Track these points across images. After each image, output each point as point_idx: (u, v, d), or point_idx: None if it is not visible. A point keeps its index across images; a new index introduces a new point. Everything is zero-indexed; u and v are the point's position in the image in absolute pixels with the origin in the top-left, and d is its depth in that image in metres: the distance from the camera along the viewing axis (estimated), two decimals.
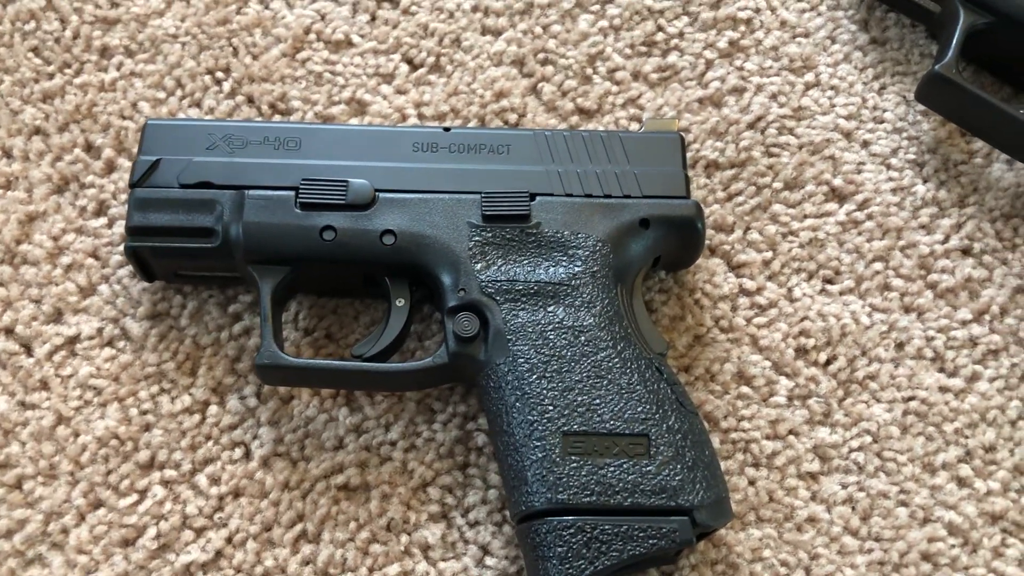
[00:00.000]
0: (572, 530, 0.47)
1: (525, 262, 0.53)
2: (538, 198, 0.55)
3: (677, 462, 0.49)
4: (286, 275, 0.54)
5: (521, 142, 0.57)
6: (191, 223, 0.54)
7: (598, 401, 0.50)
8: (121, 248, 0.60)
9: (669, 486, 0.48)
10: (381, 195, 0.55)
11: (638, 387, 0.50)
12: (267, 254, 0.54)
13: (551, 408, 0.50)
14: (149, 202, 0.55)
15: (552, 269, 0.53)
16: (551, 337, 0.51)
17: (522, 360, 0.51)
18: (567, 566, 0.47)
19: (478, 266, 0.53)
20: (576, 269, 0.53)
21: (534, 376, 0.50)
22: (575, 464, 0.49)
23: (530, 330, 0.51)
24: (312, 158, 0.56)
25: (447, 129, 0.57)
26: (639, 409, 0.50)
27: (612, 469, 0.48)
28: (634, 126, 0.64)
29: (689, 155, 0.63)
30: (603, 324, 0.52)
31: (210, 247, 0.54)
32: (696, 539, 0.49)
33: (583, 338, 0.51)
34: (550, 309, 0.52)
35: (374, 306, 0.59)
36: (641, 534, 0.47)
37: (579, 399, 0.50)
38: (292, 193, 0.55)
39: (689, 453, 0.49)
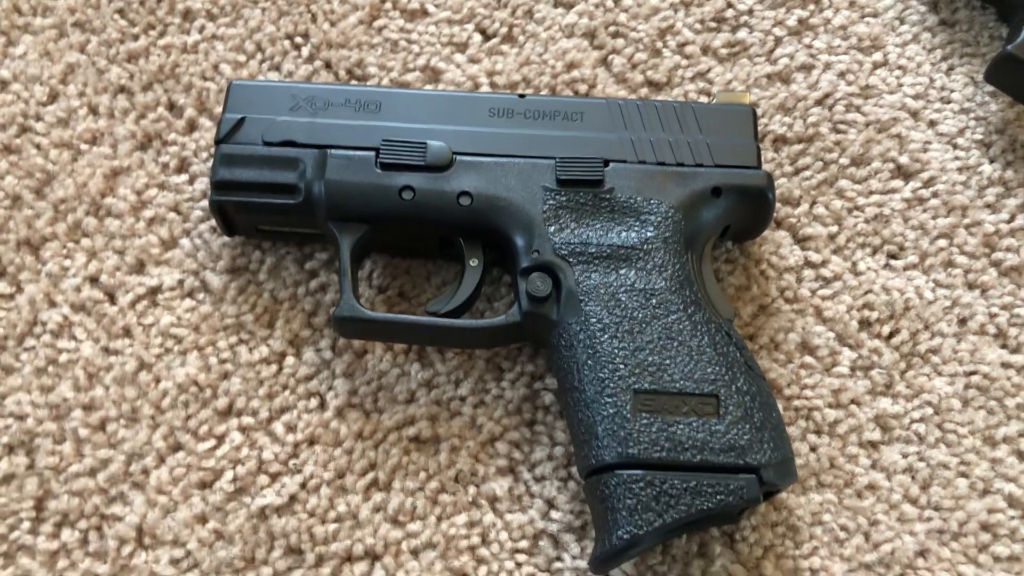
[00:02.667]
0: (642, 483, 0.48)
1: (598, 226, 0.54)
2: (612, 164, 0.56)
3: (746, 422, 0.50)
4: (365, 233, 0.56)
5: (595, 110, 0.58)
6: (275, 179, 0.56)
7: (668, 361, 0.51)
8: (202, 204, 0.62)
9: (738, 444, 0.49)
10: (458, 158, 0.56)
11: (707, 349, 0.51)
12: (348, 212, 0.55)
13: (622, 366, 0.51)
14: (235, 158, 0.56)
15: (624, 234, 0.54)
16: (623, 299, 0.52)
17: (594, 320, 0.52)
18: (636, 518, 0.48)
19: (552, 228, 0.54)
20: (648, 234, 0.54)
21: (606, 336, 0.52)
22: (645, 421, 0.50)
23: (602, 291, 0.53)
24: (392, 120, 0.57)
25: (522, 96, 0.59)
26: (708, 370, 0.51)
27: (682, 427, 0.50)
28: (703, 99, 0.65)
29: (758, 129, 0.64)
30: (674, 288, 0.53)
31: (293, 203, 0.56)
32: (763, 497, 0.50)
33: (654, 300, 0.52)
34: (622, 272, 0.53)
35: (445, 267, 0.61)
36: (709, 490, 0.48)
37: (650, 359, 0.51)
38: (373, 153, 0.56)
39: (757, 414, 0.50)
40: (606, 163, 0.56)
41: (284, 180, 0.56)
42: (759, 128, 0.64)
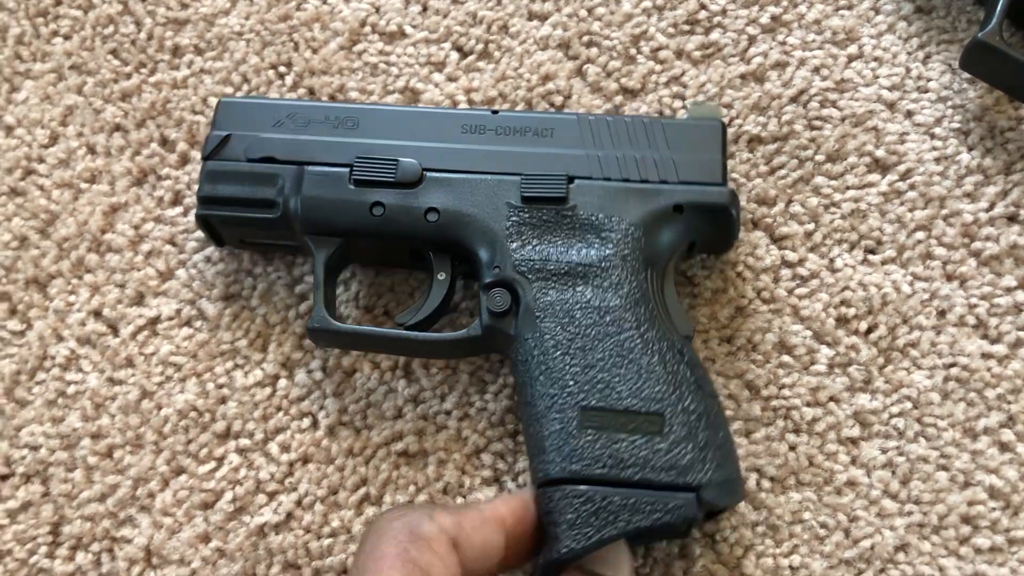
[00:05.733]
0: (583, 499, 0.49)
1: (559, 243, 0.55)
2: (576, 181, 0.57)
3: (689, 441, 0.50)
4: (338, 246, 0.58)
5: (565, 126, 0.59)
6: (255, 195, 0.58)
7: (617, 379, 0.52)
8: (197, 235, 0.64)
9: (679, 464, 0.50)
10: (428, 174, 0.58)
11: (657, 367, 0.52)
12: (322, 226, 0.58)
13: (572, 383, 0.52)
14: (219, 174, 0.59)
15: (584, 251, 0.55)
16: (577, 316, 0.53)
17: (548, 336, 0.53)
18: (575, 532, 0.49)
19: (513, 245, 0.56)
20: (607, 251, 0.55)
21: (558, 352, 0.53)
22: (590, 437, 0.50)
23: (558, 308, 0.54)
24: (368, 137, 0.59)
25: (495, 112, 0.60)
26: (657, 389, 0.51)
27: (626, 444, 0.50)
28: (677, 104, 0.66)
29: (732, 131, 0.64)
30: (628, 305, 0.53)
31: (271, 218, 0.58)
32: (704, 517, 0.50)
33: (608, 318, 0.53)
34: (579, 289, 0.54)
35: (426, 283, 0.63)
36: (647, 507, 0.49)
37: (599, 376, 0.52)
38: (347, 170, 0.58)
39: (702, 433, 0.50)
40: (571, 180, 0.57)
41: (263, 195, 0.58)
42: (733, 130, 0.64)
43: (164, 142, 0.67)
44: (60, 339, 0.63)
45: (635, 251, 0.55)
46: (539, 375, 0.52)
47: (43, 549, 0.58)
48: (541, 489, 0.51)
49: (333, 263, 0.58)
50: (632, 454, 0.50)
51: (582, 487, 0.50)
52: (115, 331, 0.63)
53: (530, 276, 0.55)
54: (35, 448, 0.60)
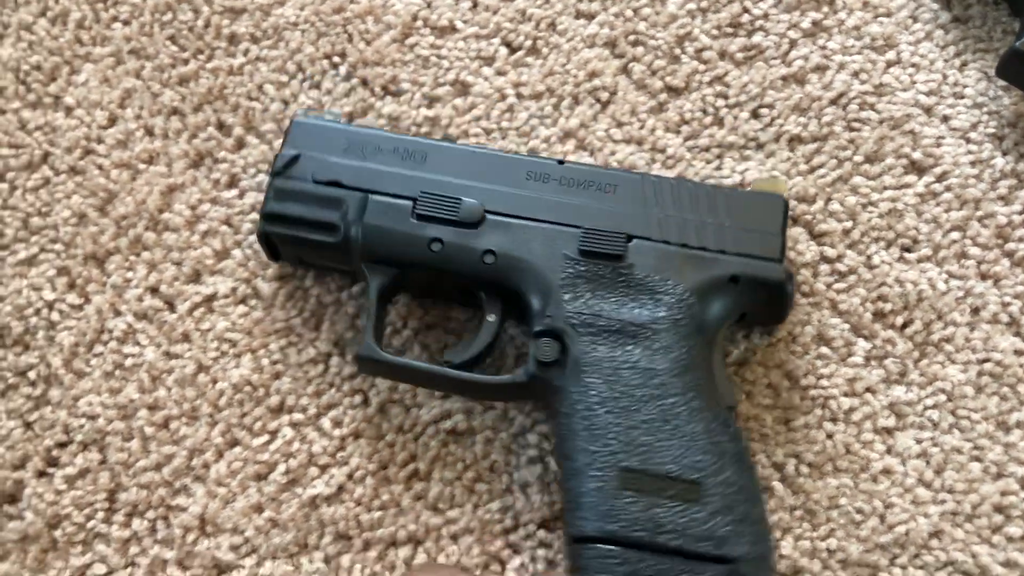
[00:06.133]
0: (617, 560, 0.50)
1: (612, 299, 0.56)
2: (635, 240, 0.57)
3: (727, 513, 0.50)
4: (393, 276, 0.58)
5: (628, 184, 0.59)
6: (319, 217, 0.59)
7: (660, 444, 0.52)
8: (252, 216, 0.66)
9: (716, 535, 0.50)
10: (490, 216, 0.58)
11: (701, 437, 0.52)
12: (380, 255, 0.58)
13: (614, 442, 0.52)
14: (286, 192, 0.60)
15: (637, 310, 0.55)
16: (625, 375, 0.54)
17: (593, 392, 0.53)
18: None
19: (567, 296, 0.56)
20: (660, 314, 0.55)
21: (602, 409, 0.53)
22: (629, 499, 0.51)
23: (606, 365, 0.54)
24: (433, 172, 0.60)
25: (561, 162, 0.60)
26: (698, 458, 0.51)
27: (664, 510, 0.50)
28: (720, 103, 0.68)
29: (772, 130, 0.67)
30: (676, 371, 0.53)
31: (332, 241, 0.59)
32: None
33: (655, 381, 0.53)
34: (628, 348, 0.54)
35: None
36: None
37: (642, 438, 0.52)
38: (410, 203, 0.59)
39: (740, 507, 0.51)
40: (629, 239, 0.57)
41: (327, 219, 0.59)
42: (774, 129, 0.66)
43: (221, 126, 0.69)
44: (118, 313, 0.64)
45: (688, 317, 0.55)
46: (581, 430, 0.52)
47: (100, 515, 0.60)
48: (574, 545, 0.51)
49: (386, 292, 0.59)
50: (671, 520, 0.50)
51: (617, 548, 0.50)
52: (172, 307, 0.65)
53: (580, 329, 0.55)
54: (92, 417, 0.62)
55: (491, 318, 0.58)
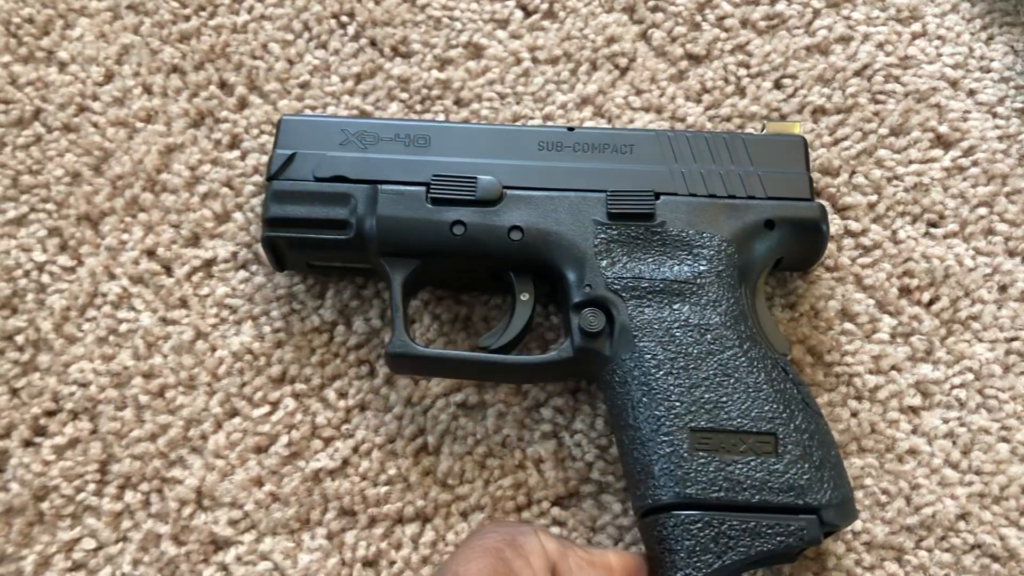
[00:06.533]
0: (700, 524, 0.48)
1: (650, 260, 0.54)
2: (662, 197, 0.56)
3: (805, 461, 0.49)
4: (416, 267, 0.56)
5: (644, 142, 0.58)
6: (327, 215, 0.56)
7: (725, 399, 0.50)
8: (254, 179, 0.63)
9: (797, 484, 0.49)
10: (508, 192, 0.56)
11: (764, 386, 0.51)
12: (399, 247, 0.56)
13: (678, 404, 0.50)
14: (286, 194, 0.57)
15: (677, 268, 0.54)
16: (677, 334, 0.52)
17: (648, 356, 0.52)
18: (695, 559, 0.48)
19: (604, 263, 0.54)
20: (701, 268, 0.54)
21: (660, 372, 0.51)
22: (703, 460, 0.49)
23: (656, 327, 0.52)
24: (441, 155, 0.58)
25: (571, 129, 0.58)
26: (766, 408, 0.50)
27: (740, 466, 0.49)
28: (742, 72, 0.66)
29: (796, 100, 0.65)
30: (728, 323, 0.52)
31: (344, 239, 0.56)
32: (823, 537, 0.49)
33: (709, 336, 0.52)
34: (676, 307, 0.53)
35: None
36: (769, 531, 0.48)
37: (706, 396, 0.50)
38: (423, 189, 0.56)
39: (816, 453, 0.50)
40: (657, 196, 0.56)
41: (335, 216, 0.56)
42: (797, 99, 0.64)
43: (223, 85, 0.66)
44: (112, 277, 0.61)
45: (730, 267, 0.54)
46: (641, 396, 0.51)
47: (91, 487, 0.57)
48: (651, 517, 0.49)
49: (409, 286, 0.56)
50: (748, 475, 0.49)
51: (698, 512, 0.48)
52: (169, 271, 0.62)
53: (624, 295, 0.53)
54: (84, 385, 0.59)
55: (524, 297, 0.56)
